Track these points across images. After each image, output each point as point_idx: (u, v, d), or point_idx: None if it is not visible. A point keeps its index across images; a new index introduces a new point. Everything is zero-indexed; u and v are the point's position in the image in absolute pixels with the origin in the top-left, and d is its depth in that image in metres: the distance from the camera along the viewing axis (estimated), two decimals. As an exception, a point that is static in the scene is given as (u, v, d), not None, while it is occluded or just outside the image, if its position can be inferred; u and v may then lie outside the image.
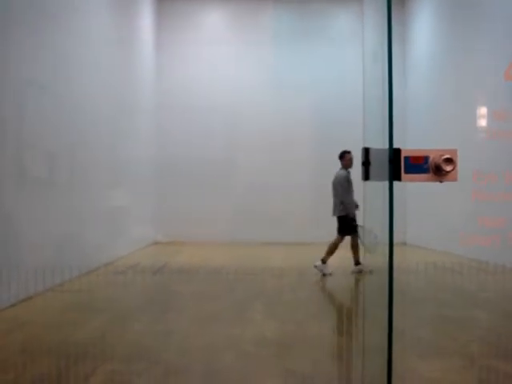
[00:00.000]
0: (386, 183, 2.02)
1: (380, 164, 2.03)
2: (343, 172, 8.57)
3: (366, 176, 2.10)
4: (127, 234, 11.40)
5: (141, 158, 13.14)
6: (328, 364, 4.16)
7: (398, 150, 2.00)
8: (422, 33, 13.99)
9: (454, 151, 2.03)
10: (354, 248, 8.44)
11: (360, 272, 8.22)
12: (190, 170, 14.51)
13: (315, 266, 8.31)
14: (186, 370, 3.88)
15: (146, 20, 14.00)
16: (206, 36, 15.18)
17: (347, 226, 8.42)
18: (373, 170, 2.08)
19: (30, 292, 6.17)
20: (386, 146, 2.01)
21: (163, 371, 3.84)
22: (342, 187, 8.49)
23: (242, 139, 14.57)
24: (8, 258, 5.83)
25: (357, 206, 8.50)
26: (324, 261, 8.31)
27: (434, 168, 2.01)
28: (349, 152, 8.53)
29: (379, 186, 2.10)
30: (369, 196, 2.35)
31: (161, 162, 14.55)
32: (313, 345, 4.60)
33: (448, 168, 2.00)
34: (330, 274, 8.23)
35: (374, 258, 2.27)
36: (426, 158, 2.01)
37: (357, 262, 8.38)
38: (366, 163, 2.09)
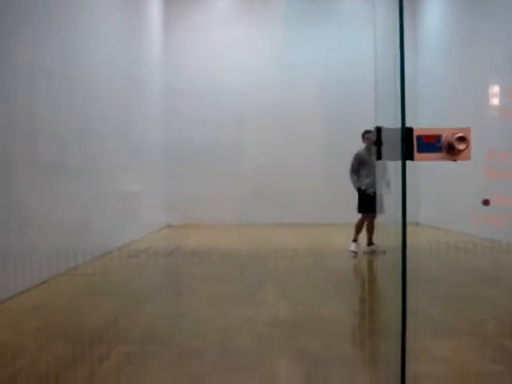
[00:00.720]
0: (399, 162, 2.00)
1: (392, 143, 2.01)
2: (360, 150, 8.57)
3: (379, 155, 2.08)
4: (139, 218, 11.43)
5: (151, 142, 13.15)
6: (341, 344, 4.17)
7: (411, 129, 1.97)
8: (433, 9, 13.83)
9: (468, 129, 2.01)
10: (369, 228, 8.44)
11: (373, 252, 8.22)
12: (200, 153, 14.50)
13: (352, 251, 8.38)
14: (200, 352, 3.90)
15: (154, 4, 13.94)
16: (215, 19, 15.09)
17: (361, 202, 8.44)
18: (385, 149, 2.06)
19: (44, 276, 6.22)
20: (399, 125, 1.99)
21: (177, 353, 3.86)
22: (352, 165, 8.54)
23: (251, 121, 14.52)
24: (22, 244, 5.87)
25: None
26: (354, 240, 8.45)
27: (447, 147, 1.99)
28: (370, 131, 8.50)
29: (392, 166, 2.08)
30: (380, 175, 2.33)
31: (171, 145, 14.54)
32: (326, 325, 4.60)
33: (461, 146, 1.98)
34: (353, 252, 8.27)
35: (386, 238, 2.27)
36: (438, 137, 1.99)
37: (370, 243, 8.39)
38: (378, 142, 2.07)
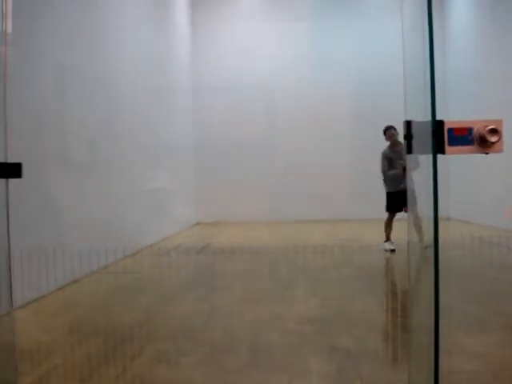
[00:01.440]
0: (429, 156, 1.97)
1: (423, 137, 1.98)
2: (385, 149, 8.48)
3: (409, 149, 2.05)
4: (170, 216, 11.50)
5: (180, 139, 13.22)
6: (373, 340, 4.14)
7: (441, 122, 1.94)
8: (461, 5, 13.65)
9: (500, 121, 1.97)
10: (387, 224, 8.35)
11: (388, 250, 8.16)
12: (229, 150, 14.50)
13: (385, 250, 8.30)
14: (232, 349, 3.91)
15: (182, 2, 14.00)
16: (242, 13, 15.09)
17: (388, 202, 8.36)
18: (415, 143, 2.03)
19: (76, 275, 6.29)
20: (429, 118, 1.96)
21: (209, 350, 3.87)
22: (382, 164, 8.44)
23: (280, 117, 14.49)
24: (55, 242, 5.95)
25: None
26: (387, 239, 8.34)
27: (479, 139, 1.95)
28: (390, 128, 8.38)
29: (422, 160, 2.06)
30: (411, 170, 2.30)
31: (200, 142, 14.58)
32: (357, 322, 4.58)
33: (493, 139, 1.94)
34: (392, 250, 8.16)
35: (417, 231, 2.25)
36: (470, 130, 1.95)
37: (387, 239, 8.31)
38: (409, 136, 2.04)
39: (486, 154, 2.00)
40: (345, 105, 14.18)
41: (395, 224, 8.18)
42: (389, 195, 8.35)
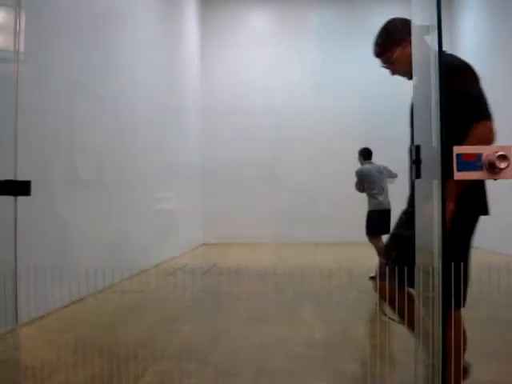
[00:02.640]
0: (437, 181, 1.98)
1: (431, 162, 1.99)
2: (367, 167, 8.65)
3: (418, 174, 2.06)
4: (176, 236, 11.50)
5: (187, 160, 13.26)
6: (379, 365, 4.10)
7: (450, 148, 1.95)
8: (470, 28, 13.72)
9: (508, 148, 1.97)
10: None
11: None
12: (236, 172, 14.55)
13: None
14: (236, 371, 3.88)
15: (190, 23, 14.14)
16: (250, 38, 15.22)
17: (376, 223, 8.37)
18: (424, 168, 2.04)
19: (81, 293, 6.28)
20: (438, 144, 1.96)
21: (213, 372, 3.85)
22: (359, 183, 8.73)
23: (287, 140, 14.55)
24: (60, 259, 5.95)
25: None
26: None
27: (488, 165, 1.95)
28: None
29: (430, 185, 2.06)
30: (420, 195, 2.30)
31: (207, 163, 14.63)
32: (362, 346, 4.55)
33: (502, 165, 1.94)
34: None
35: (425, 258, 2.23)
36: (479, 156, 1.95)
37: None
38: (417, 161, 2.04)
39: (495, 180, 2.00)
40: (351, 129, 14.21)
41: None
42: (377, 215, 8.39)
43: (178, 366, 3.98)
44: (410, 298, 2.72)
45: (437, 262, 2.05)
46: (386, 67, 3.00)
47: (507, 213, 10.76)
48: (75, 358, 4.19)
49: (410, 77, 2.69)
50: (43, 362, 4.01)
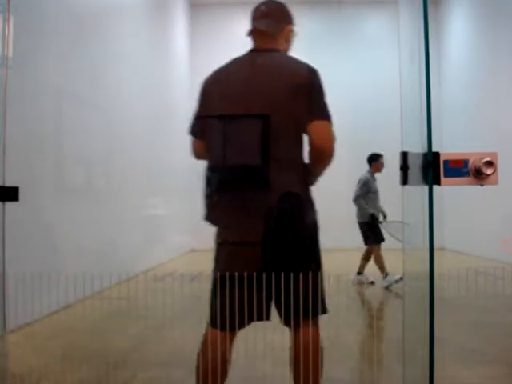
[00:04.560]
0: (425, 187, 1.99)
1: (418, 168, 2.00)
2: (367, 176, 8.48)
3: (405, 180, 2.07)
4: (165, 242, 11.47)
5: (176, 166, 13.22)
6: (367, 371, 4.11)
7: (437, 154, 1.97)
8: (457, 33, 13.83)
9: (495, 154, 2.00)
10: (368, 257, 8.27)
11: (361, 282, 8.12)
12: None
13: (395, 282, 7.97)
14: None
15: (179, 27, 14.14)
16: (240, 42, 15.19)
17: (375, 232, 8.22)
18: (411, 174, 2.05)
19: (69, 300, 6.24)
20: (425, 150, 1.98)
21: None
22: (361, 192, 8.48)
23: (277, 145, 14.55)
24: (48, 266, 5.92)
25: (384, 216, 8.32)
26: (385, 272, 7.93)
27: (474, 171, 1.97)
28: (381, 156, 8.44)
29: (417, 191, 2.07)
30: (407, 201, 2.31)
31: (196, 169, 14.58)
32: (351, 351, 4.55)
33: (488, 171, 1.96)
34: (372, 283, 8.11)
35: (411, 264, 2.25)
36: (465, 162, 1.97)
37: (359, 272, 8.23)
38: (405, 167, 2.06)
39: (481, 185, 2.01)
40: (341, 133, 14.18)
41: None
42: (374, 225, 8.24)
43: (166, 373, 3.97)
44: None
45: (426, 268, 2.06)
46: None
47: (492, 219, 10.83)
48: (63, 364, 4.17)
49: None
50: (30, 369, 3.99)
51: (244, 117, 2.70)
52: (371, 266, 8.14)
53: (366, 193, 8.28)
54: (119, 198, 8.51)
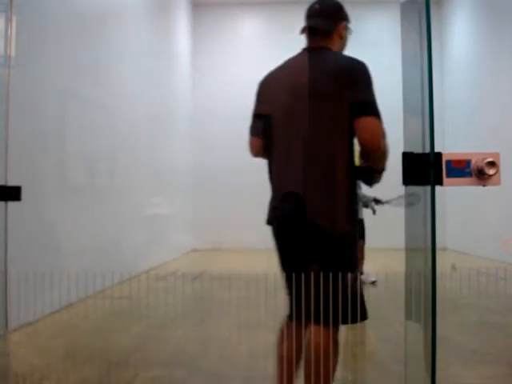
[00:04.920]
0: (427, 188, 1.99)
1: (421, 168, 2.00)
2: None
3: (407, 181, 2.07)
4: (167, 241, 11.47)
5: (179, 166, 13.24)
6: (369, 371, 4.12)
7: (440, 154, 1.96)
8: (459, 34, 13.81)
9: (497, 154, 1.99)
10: (362, 256, 8.23)
11: (363, 283, 8.06)
12: (227, 178, 14.53)
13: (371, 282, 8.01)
14: (227, 377, 3.88)
15: (181, 28, 14.14)
16: (241, 42, 15.23)
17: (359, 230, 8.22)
18: (413, 174, 2.05)
19: (72, 299, 6.25)
20: (427, 150, 1.98)
21: (204, 378, 3.84)
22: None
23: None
24: (50, 265, 5.93)
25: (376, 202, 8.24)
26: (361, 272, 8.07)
27: (477, 172, 1.97)
28: None
29: (420, 191, 2.07)
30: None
31: (198, 169, 14.62)
32: (353, 352, 4.55)
33: (491, 171, 1.96)
34: (373, 283, 8.10)
35: (413, 264, 2.25)
36: (467, 162, 1.97)
37: (361, 272, 8.22)
38: (407, 168, 2.06)
39: (484, 186, 2.01)
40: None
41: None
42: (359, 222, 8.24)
43: (168, 372, 3.98)
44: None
45: (428, 268, 2.06)
46: None
47: (494, 219, 10.83)
48: (65, 363, 4.18)
49: None
50: (32, 368, 4.00)
51: (295, 114, 2.70)
52: (374, 265, 8.14)
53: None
54: (121, 198, 8.51)
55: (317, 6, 2.89)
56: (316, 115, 2.60)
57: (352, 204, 2.63)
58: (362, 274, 8.12)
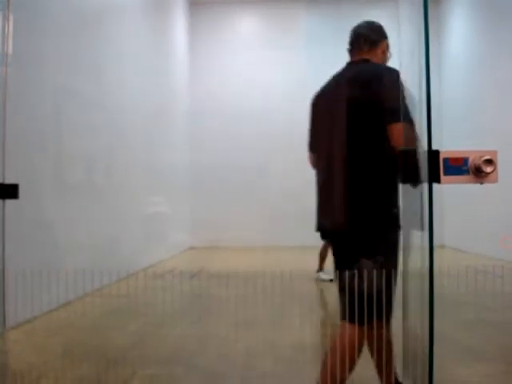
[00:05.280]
0: (425, 185, 1.99)
1: (418, 166, 2.00)
2: None
3: (404, 179, 2.07)
4: (164, 239, 11.48)
5: (176, 164, 13.24)
6: (367, 369, 4.12)
7: (437, 152, 1.97)
8: (457, 33, 13.82)
9: (494, 152, 1.99)
10: (322, 253, 8.43)
11: (321, 280, 8.22)
12: (225, 176, 14.54)
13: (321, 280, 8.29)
14: (224, 375, 3.88)
15: (179, 25, 14.13)
16: (238, 40, 15.23)
17: None
18: (411, 172, 2.05)
19: (69, 297, 6.25)
20: (425, 148, 1.98)
21: (202, 376, 3.85)
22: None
23: (275, 144, 14.55)
24: (48, 263, 5.92)
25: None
26: (321, 268, 8.41)
27: (474, 169, 1.97)
28: None
29: (417, 189, 2.07)
30: (406, 199, 2.32)
31: (196, 167, 14.62)
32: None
33: (488, 169, 1.96)
34: (331, 280, 8.19)
35: (411, 261, 2.25)
36: (465, 160, 1.97)
37: (319, 269, 8.38)
38: (405, 166, 2.06)
39: (481, 183, 2.02)
40: (341, 132, 14.22)
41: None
42: None
43: (166, 370, 3.98)
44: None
45: (425, 266, 2.07)
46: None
47: (492, 217, 10.84)
48: (62, 361, 4.18)
49: None
50: (30, 366, 4.00)
51: (331, 127, 2.92)
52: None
53: None
54: (119, 195, 8.51)
55: (363, 24, 3.14)
56: (349, 125, 2.76)
57: (391, 209, 2.75)
58: (321, 270, 8.28)
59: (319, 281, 8.22)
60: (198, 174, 14.61)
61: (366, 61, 2.98)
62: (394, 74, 2.68)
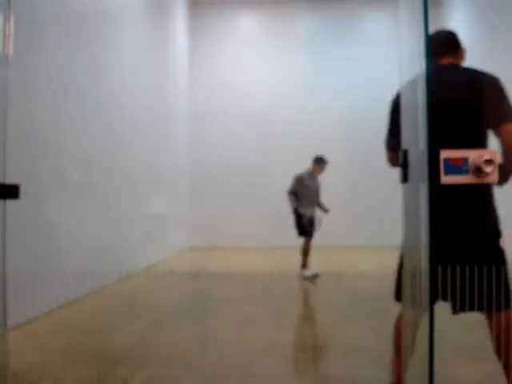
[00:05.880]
0: (425, 185, 1.99)
1: (418, 166, 2.01)
2: (302, 174, 9.14)
3: (405, 178, 2.08)
4: (165, 240, 11.48)
5: (176, 165, 13.25)
6: (366, 368, 4.12)
7: (437, 152, 1.97)
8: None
9: (494, 152, 2.00)
10: (304, 251, 8.70)
11: (306, 277, 8.27)
12: (225, 176, 14.55)
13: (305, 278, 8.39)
14: (224, 376, 3.88)
15: (179, 26, 14.14)
16: (239, 41, 15.24)
17: (301, 226, 8.84)
18: (411, 172, 2.06)
19: (70, 297, 6.26)
20: (425, 148, 1.99)
21: (201, 376, 3.84)
22: (292, 187, 9.13)
23: (276, 144, 14.56)
24: (49, 264, 5.93)
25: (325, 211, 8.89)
26: (304, 265, 8.59)
27: (474, 169, 1.98)
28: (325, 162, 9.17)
29: (418, 189, 2.07)
30: (407, 199, 2.32)
31: (196, 167, 14.63)
32: (351, 349, 4.56)
33: (488, 169, 1.97)
34: (318, 275, 8.28)
35: (411, 260, 2.25)
36: (465, 160, 1.98)
37: (303, 266, 8.45)
38: (405, 165, 2.07)
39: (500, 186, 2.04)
40: (340, 132, 14.25)
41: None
42: (299, 219, 8.81)
43: (166, 371, 3.98)
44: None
45: (424, 266, 2.07)
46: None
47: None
48: (63, 362, 4.18)
49: None
50: (31, 366, 4.00)
51: (451, 128, 2.96)
52: (372, 263, 8.17)
53: (297, 189, 8.93)
54: (119, 195, 8.51)
55: (449, 30, 3.45)
56: (469, 126, 2.86)
57: (494, 210, 3.08)
58: (304, 267, 8.38)
59: (304, 278, 8.36)
60: (199, 174, 14.62)
61: (456, 65, 3.20)
62: (498, 79, 3.00)
